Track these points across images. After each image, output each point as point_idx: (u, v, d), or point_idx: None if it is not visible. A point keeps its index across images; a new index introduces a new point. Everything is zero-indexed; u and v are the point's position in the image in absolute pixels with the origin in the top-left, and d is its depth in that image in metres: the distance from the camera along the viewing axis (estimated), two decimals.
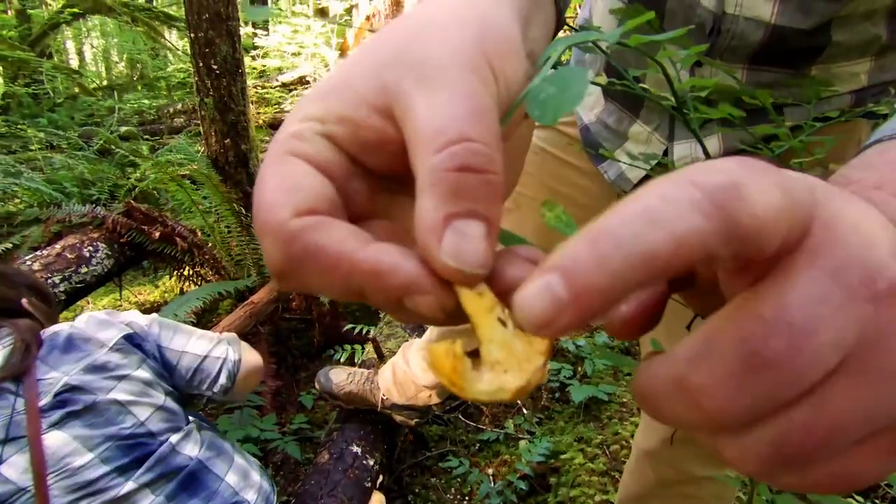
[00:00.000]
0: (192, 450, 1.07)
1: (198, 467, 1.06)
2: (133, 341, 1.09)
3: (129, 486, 0.97)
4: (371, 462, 1.51)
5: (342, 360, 2.08)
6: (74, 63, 9.66)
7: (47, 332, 1.05)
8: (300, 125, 0.22)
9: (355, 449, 1.51)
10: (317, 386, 1.67)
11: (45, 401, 0.95)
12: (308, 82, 5.84)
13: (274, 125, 5.34)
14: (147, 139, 4.70)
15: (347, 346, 2.15)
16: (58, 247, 2.33)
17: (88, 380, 0.99)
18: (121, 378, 1.03)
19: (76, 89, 6.94)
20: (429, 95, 0.21)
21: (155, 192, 3.33)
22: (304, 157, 0.22)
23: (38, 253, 2.30)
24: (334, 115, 0.22)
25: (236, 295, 2.39)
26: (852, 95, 0.72)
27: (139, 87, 7.36)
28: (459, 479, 1.72)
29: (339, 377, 1.62)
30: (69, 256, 2.29)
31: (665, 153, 0.84)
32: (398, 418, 1.60)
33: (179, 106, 6.04)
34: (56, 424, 0.95)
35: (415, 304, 0.20)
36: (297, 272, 0.20)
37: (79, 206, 2.58)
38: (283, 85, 6.16)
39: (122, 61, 9.23)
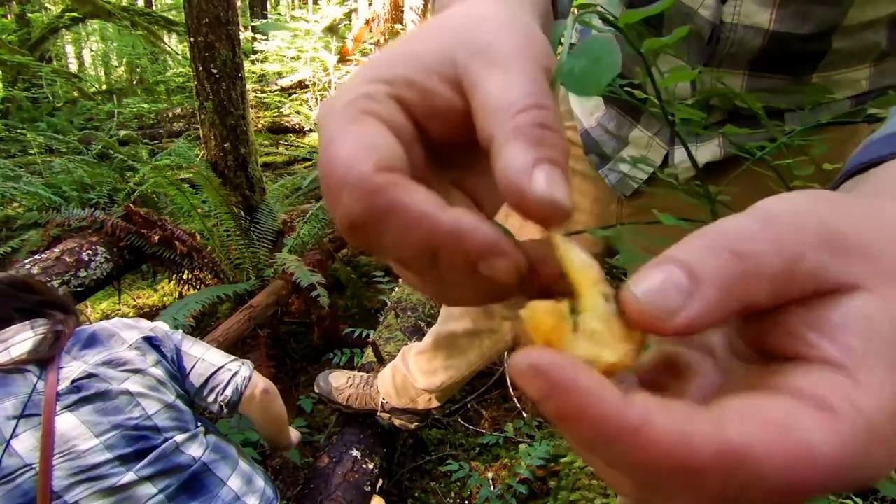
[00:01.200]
0: (196, 451, 1.08)
1: (201, 469, 1.07)
2: (152, 342, 1.15)
3: (129, 476, 0.98)
4: (370, 466, 1.51)
5: (341, 363, 2.08)
6: (74, 67, 9.67)
7: (78, 329, 1.12)
8: (370, 86, 0.23)
9: (355, 453, 1.51)
10: (316, 390, 1.67)
11: (62, 386, 1.01)
12: (307, 86, 5.85)
13: (273, 129, 5.35)
14: (146, 143, 4.71)
15: (347, 350, 2.15)
16: (57, 250, 2.33)
17: (104, 370, 1.05)
18: (135, 371, 1.08)
19: (75, 93, 6.95)
20: (500, 75, 0.23)
21: (154, 195, 3.34)
22: (377, 117, 0.22)
23: (37, 256, 2.30)
24: (403, 79, 0.23)
25: (235, 299, 2.39)
26: (852, 101, 0.72)
27: (138, 92, 7.37)
28: (459, 483, 1.72)
29: (339, 381, 1.62)
30: (68, 260, 2.29)
31: (665, 158, 0.84)
32: (398, 422, 1.60)
33: (179, 110, 6.04)
34: (69, 407, 0.99)
35: (491, 268, 0.21)
36: (375, 227, 0.20)
37: (78, 210, 2.58)
38: (283, 89, 6.17)
39: (121, 66, 9.24)
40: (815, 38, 0.63)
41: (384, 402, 1.57)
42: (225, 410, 1.21)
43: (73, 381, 1.01)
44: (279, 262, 2.32)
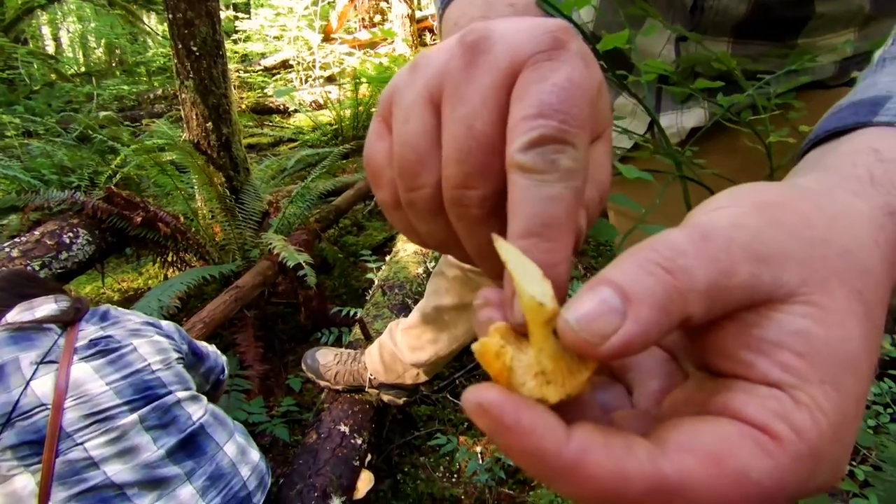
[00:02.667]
0: (195, 412, 1.16)
1: (198, 430, 1.15)
2: (153, 324, 1.28)
3: (133, 417, 1.06)
4: (359, 441, 1.52)
5: (329, 342, 2.08)
6: (51, 49, 9.42)
7: (93, 308, 1.24)
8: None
9: (343, 428, 1.51)
10: (304, 367, 1.66)
11: (80, 342, 1.12)
12: (291, 66, 5.75)
13: (257, 110, 5.27)
14: (127, 125, 4.62)
15: (335, 329, 2.15)
16: (37, 233, 2.29)
17: (118, 332, 1.18)
18: (145, 336, 1.21)
19: (53, 76, 6.78)
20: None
21: (136, 177, 3.28)
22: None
23: (17, 240, 2.26)
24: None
25: (221, 280, 2.37)
26: (836, 65, 0.72)
27: (118, 73, 7.21)
28: (448, 458, 1.73)
29: (326, 358, 1.62)
30: (49, 243, 2.25)
31: (650, 125, 0.84)
32: (386, 398, 1.61)
33: (160, 91, 5.93)
34: (84, 359, 1.10)
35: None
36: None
37: (57, 193, 2.53)
38: (266, 69, 6.07)
39: (99, 47, 9.02)
40: (799, 4, 0.63)
41: (372, 377, 1.57)
42: (208, 387, 1.38)
43: (91, 340, 1.13)
44: (265, 242, 2.30)
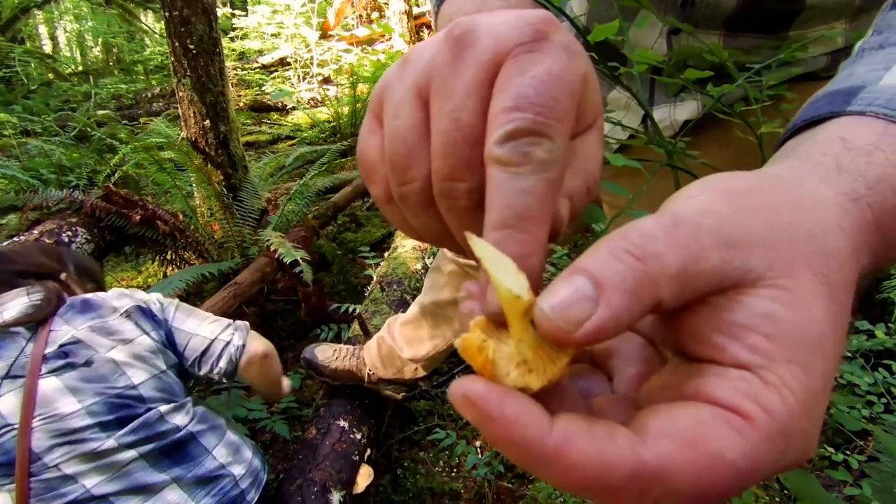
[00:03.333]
0: (181, 420, 1.09)
1: (186, 437, 1.08)
2: (144, 312, 1.17)
3: (110, 443, 1.00)
4: (358, 436, 1.53)
5: (328, 338, 2.08)
6: (48, 48, 9.40)
7: (73, 297, 1.14)
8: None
9: (342, 423, 1.52)
10: (302, 363, 1.67)
11: (50, 349, 1.03)
12: (289, 64, 5.74)
13: (255, 107, 5.26)
14: (125, 124, 4.61)
15: (334, 326, 2.15)
16: (35, 232, 2.29)
17: (92, 337, 1.07)
18: (123, 341, 1.09)
19: (50, 75, 6.77)
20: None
21: (135, 175, 3.28)
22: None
23: (16, 239, 2.26)
24: None
25: (220, 277, 2.38)
26: (828, 57, 0.72)
27: (115, 72, 7.19)
28: (447, 452, 1.74)
29: (325, 354, 1.62)
30: (48, 241, 2.25)
31: (644, 118, 0.85)
32: (385, 393, 1.61)
33: (157, 90, 5.92)
34: (54, 371, 1.01)
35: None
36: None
37: (56, 192, 2.53)
38: (263, 67, 6.06)
39: (96, 45, 8.99)
40: None
41: (371, 373, 1.58)
42: (224, 379, 1.23)
43: (61, 346, 1.03)
44: (263, 239, 2.30)
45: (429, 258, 2.27)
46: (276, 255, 2.09)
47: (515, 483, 1.64)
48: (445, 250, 1.33)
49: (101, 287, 1.32)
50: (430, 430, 1.81)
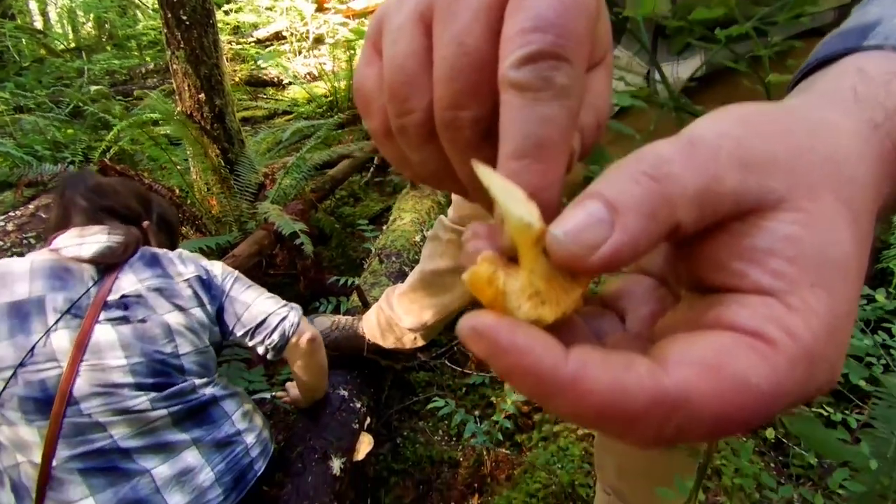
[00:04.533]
0: (209, 389, 1.13)
1: (210, 400, 1.12)
2: (205, 282, 1.19)
3: (144, 403, 1.02)
4: (358, 405, 1.54)
5: (328, 311, 2.09)
6: (39, 24, 9.23)
7: (145, 248, 1.17)
8: None
9: (342, 393, 1.53)
10: None
11: (112, 297, 1.05)
12: (284, 38, 5.65)
13: (251, 82, 5.20)
14: (119, 100, 4.56)
15: (333, 298, 2.16)
16: (31, 207, 2.28)
17: (153, 296, 1.09)
18: (180, 308, 1.11)
19: (42, 51, 6.66)
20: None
21: (130, 151, 3.25)
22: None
23: (12, 213, 2.25)
24: None
25: (218, 251, 2.37)
26: (835, 11, 0.71)
27: (108, 48, 7.08)
28: (446, 421, 1.76)
29: (324, 325, 1.63)
30: (44, 216, 2.24)
31: (647, 75, 0.83)
32: (384, 363, 1.62)
33: (151, 66, 5.84)
34: (111, 321, 1.03)
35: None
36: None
37: (50, 166, 2.52)
38: (259, 41, 5.97)
39: (88, 21, 8.84)
40: None
41: (370, 343, 1.58)
42: (270, 353, 1.24)
43: (123, 296, 1.06)
44: (261, 212, 2.29)
45: (427, 230, 2.27)
46: (275, 228, 2.08)
47: (513, 451, 1.66)
48: (443, 218, 1.32)
49: (174, 244, 1.34)
50: (430, 400, 1.83)
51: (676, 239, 0.20)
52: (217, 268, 1.24)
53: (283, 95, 4.98)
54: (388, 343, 1.55)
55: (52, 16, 9.75)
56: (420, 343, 1.53)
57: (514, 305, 0.19)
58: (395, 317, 1.48)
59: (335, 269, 2.52)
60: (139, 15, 7.71)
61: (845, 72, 0.26)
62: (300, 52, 5.44)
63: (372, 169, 3.26)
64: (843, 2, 0.70)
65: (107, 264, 1.08)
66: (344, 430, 1.44)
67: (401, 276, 1.95)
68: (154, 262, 1.14)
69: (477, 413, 1.78)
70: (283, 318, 1.23)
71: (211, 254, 2.43)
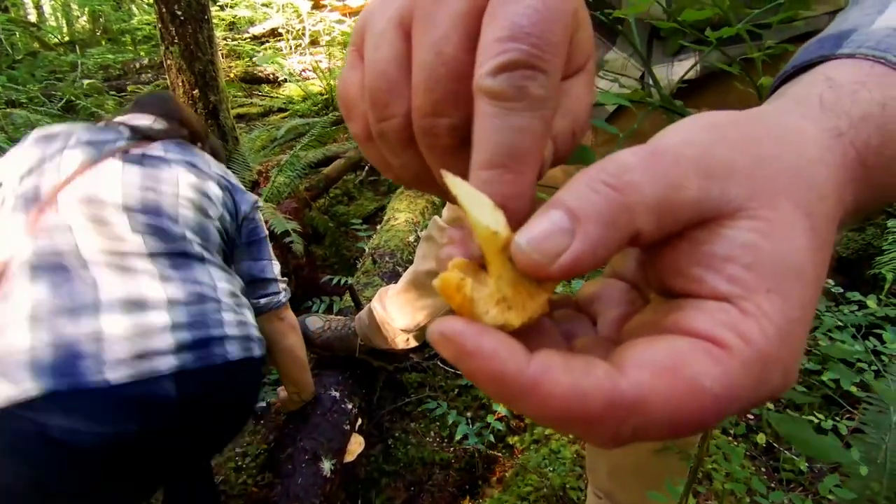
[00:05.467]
0: (199, 249, 1.09)
1: (197, 256, 1.08)
2: (231, 193, 1.21)
3: (122, 225, 1.00)
4: (349, 406, 1.53)
5: (320, 311, 2.08)
6: (33, 17, 9.16)
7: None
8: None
9: (333, 393, 1.52)
10: None
11: (136, 151, 1.08)
12: (280, 34, 5.62)
13: (246, 79, 5.17)
14: (112, 94, 4.53)
15: (325, 298, 2.15)
16: None
17: (175, 164, 1.11)
18: (198, 191, 1.12)
19: (36, 45, 6.60)
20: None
21: None
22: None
23: None
24: None
25: None
26: (829, 16, 0.71)
27: (103, 42, 7.03)
28: (438, 423, 1.75)
29: (316, 325, 1.62)
30: None
31: (641, 78, 0.83)
32: (376, 364, 1.61)
33: (146, 61, 5.80)
34: (125, 160, 1.05)
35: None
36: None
37: None
38: (254, 37, 5.94)
39: (83, 14, 8.78)
40: None
41: (362, 343, 1.57)
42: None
43: (146, 154, 1.09)
44: None
45: (421, 230, 2.26)
46: (268, 226, 2.07)
47: (505, 453, 1.65)
48: (437, 219, 1.31)
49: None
50: (422, 401, 1.82)
51: (638, 245, 0.20)
52: (250, 201, 1.25)
53: (278, 93, 4.96)
54: (380, 343, 1.54)
55: (47, 9, 9.68)
56: (413, 344, 1.52)
57: (482, 311, 0.20)
58: (387, 317, 1.48)
59: (328, 268, 2.51)
60: (134, 9, 7.66)
61: (815, 80, 0.27)
62: (295, 49, 5.42)
63: (366, 168, 3.24)
64: (838, 6, 0.70)
65: (144, 135, 1.12)
66: (335, 431, 1.43)
67: (394, 277, 1.94)
68: (190, 152, 1.16)
69: (469, 415, 1.77)
70: (278, 293, 1.28)
71: None
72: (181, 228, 1.06)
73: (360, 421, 1.55)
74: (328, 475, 1.32)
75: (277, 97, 4.82)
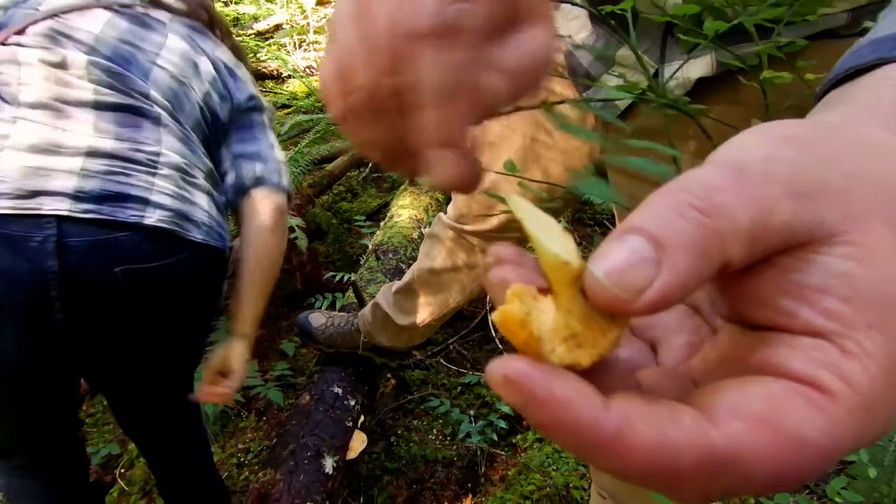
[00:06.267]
0: (160, 110, 0.98)
1: (153, 116, 0.96)
2: (226, 83, 1.09)
3: (78, 61, 0.92)
4: (352, 402, 1.52)
5: (323, 307, 2.07)
6: None
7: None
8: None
9: (336, 390, 1.52)
10: (296, 329, 1.66)
11: (139, 9, 1.02)
12: (284, 30, 5.62)
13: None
14: None
15: (329, 294, 2.14)
16: None
17: (178, 28, 1.04)
18: (187, 53, 1.03)
19: None
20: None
21: None
22: None
23: None
24: None
25: None
26: (849, 13, 0.70)
27: None
28: (441, 421, 1.75)
29: (319, 321, 1.61)
30: None
31: (655, 75, 0.82)
32: (379, 360, 1.61)
33: None
34: (118, 8, 0.99)
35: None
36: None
37: None
38: (259, 33, 5.93)
39: None
40: None
41: (365, 340, 1.57)
42: (227, 195, 1.07)
43: (147, 14, 1.02)
44: None
45: (426, 227, 2.25)
46: None
47: (508, 451, 1.65)
48: (442, 216, 1.30)
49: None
50: (425, 399, 1.81)
51: (726, 275, 0.18)
52: (246, 92, 1.12)
53: (281, 89, 4.95)
54: (383, 341, 1.53)
55: None
56: (416, 342, 1.51)
57: (548, 349, 0.18)
58: (391, 314, 1.47)
59: (331, 264, 2.50)
60: None
61: (882, 85, 0.25)
62: (300, 45, 5.41)
63: (370, 164, 3.24)
64: (858, 3, 0.69)
65: (161, 5, 1.05)
66: (337, 427, 1.42)
67: (398, 273, 1.93)
68: (200, 33, 1.08)
69: (472, 412, 1.77)
70: (269, 172, 1.08)
71: None
72: (147, 86, 0.96)
73: (362, 418, 1.54)
74: (330, 472, 1.31)
75: (281, 93, 4.81)
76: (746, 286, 0.19)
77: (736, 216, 0.17)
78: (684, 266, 0.16)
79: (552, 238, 0.19)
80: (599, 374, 0.19)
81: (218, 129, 1.08)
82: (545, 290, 0.19)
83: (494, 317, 0.18)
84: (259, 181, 1.06)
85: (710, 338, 0.23)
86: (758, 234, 0.17)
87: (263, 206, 1.05)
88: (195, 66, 1.03)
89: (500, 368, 0.16)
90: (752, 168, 0.18)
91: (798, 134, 0.20)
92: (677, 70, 0.75)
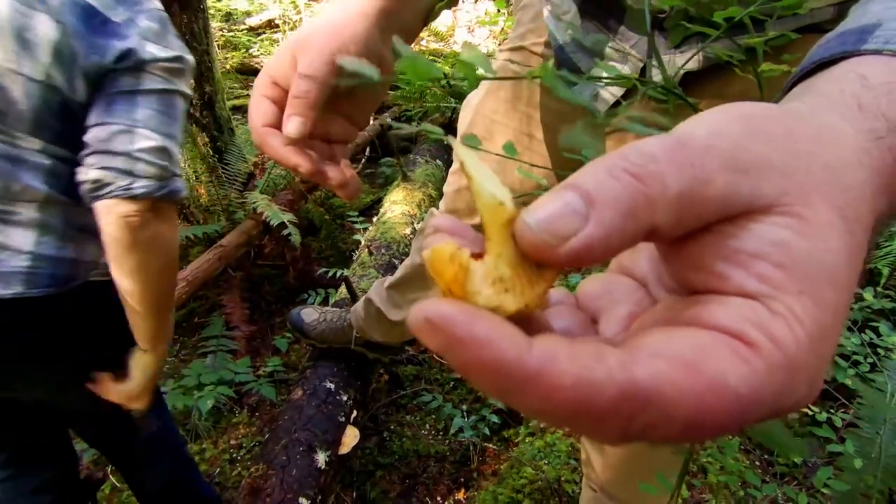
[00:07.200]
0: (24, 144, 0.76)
1: None
2: (78, 44, 0.76)
3: None
4: (345, 397, 1.52)
5: (316, 303, 2.07)
6: None
7: None
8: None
9: (329, 385, 1.52)
10: (289, 325, 1.66)
11: None
12: (277, 25, 5.59)
13: (242, 70, 5.13)
14: None
15: (321, 290, 2.14)
16: None
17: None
18: (10, 17, 0.73)
19: None
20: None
21: None
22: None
23: None
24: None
25: (206, 241, 2.34)
26: (835, 8, 0.70)
27: None
28: (433, 416, 1.75)
29: (311, 317, 1.61)
30: None
31: (643, 70, 0.82)
32: (371, 356, 1.61)
33: None
34: None
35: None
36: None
37: None
38: (251, 28, 5.89)
39: None
40: None
41: (357, 336, 1.57)
42: (85, 195, 0.79)
43: None
44: (250, 202, 2.26)
45: (417, 223, 2.25)
46: (263, 218, 2.06)
47: (500, 446, 1.65)
48: (434, 211, 1.30)
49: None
50: (417, 394, 1.82)
51: (653, 241, 0.19)
52: (116, 49, 0.79)
53: None
54: (375, 336, 1.53)
55: None
56: (408, 336, 1.51)
57: (475, 290, 0.18)
58: (383, 309, 1.47)
59: (324, 260, 2.50)
60: None
61: (846, 78, 0.26)
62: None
63: (363, 160, 3.23)
64: None
65: None
66: (330, 422, 1.42)
67: (390, 269, 1.93)
68: None
69: (464, 407, 1.77)
70: (110, 180, 0.77)
71: (198, 243, 2.40)
72: None
73: (355, 413, 1.55)
74: (323, 467, 1.32)
75: None
76: (686, 252, 0.19)
77: (666, 183, 0.18)
78: (610, 222, 0.17)
79: (492, 183, 0.19)
80: (527, 331, 0.19)
81: (84, 108, 0.80)
82: (478, 256, 0.19)
83: (424, 254, 0.18)
84: (97, 190, 0.78)
85: (650, 308, 0.23)
86: (688, 203, 0.18)
87: (108, 225, 0.79)
88: (21, 37, 0.73)
89: (421, 311, 0.16)
90: (693, 141, 0.19)
91: (756, 114, 0.20)
92: (663, 64, 0.75)
